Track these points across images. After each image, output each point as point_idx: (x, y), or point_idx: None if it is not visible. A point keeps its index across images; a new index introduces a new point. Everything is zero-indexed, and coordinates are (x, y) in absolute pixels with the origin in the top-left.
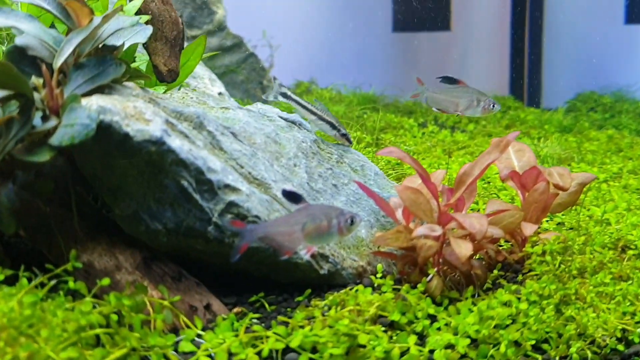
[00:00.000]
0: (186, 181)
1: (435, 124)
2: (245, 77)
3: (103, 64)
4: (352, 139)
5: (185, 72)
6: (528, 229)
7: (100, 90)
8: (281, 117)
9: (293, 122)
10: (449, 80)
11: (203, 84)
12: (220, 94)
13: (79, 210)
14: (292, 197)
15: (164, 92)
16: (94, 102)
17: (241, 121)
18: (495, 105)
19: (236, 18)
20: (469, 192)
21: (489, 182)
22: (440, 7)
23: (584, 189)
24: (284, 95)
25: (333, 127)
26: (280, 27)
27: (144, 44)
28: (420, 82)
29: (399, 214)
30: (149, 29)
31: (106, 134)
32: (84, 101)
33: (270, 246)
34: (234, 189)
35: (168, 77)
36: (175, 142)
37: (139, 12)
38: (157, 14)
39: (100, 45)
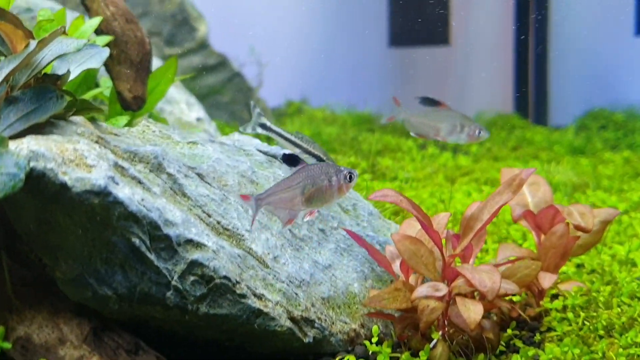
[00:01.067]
0: (138, 238)
1: (436, 145)
2: (231, 98)
3: (42, 98)
4: None
5: (154, 98)
6: (546, 280)
7: (37, 129)
8: (260, 151)
9: (274, 157)
10: (429, 101)
11: (179, 109)
12: (198, 119)
13: (16, 272)
14: (290, 160)
15: (127, 123)
16: (25, 146)
17: (211, 158)
18: (482, 132)
19: (222, 34)
20: (477, 239)
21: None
22: (439, 20)
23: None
24: (263, 126)
25: (319, 159)
26: (269, 43)
27: (107, 68)
28: (397, 103)
29: (396, 266)
30: (105, 52)
31: (40, 185)
32: (13, 144)
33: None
34: (198, 245)
35: (134, 104)
36: (123, 192)
37: (100, 32)
38: (121, 34)
39: (40, 74)
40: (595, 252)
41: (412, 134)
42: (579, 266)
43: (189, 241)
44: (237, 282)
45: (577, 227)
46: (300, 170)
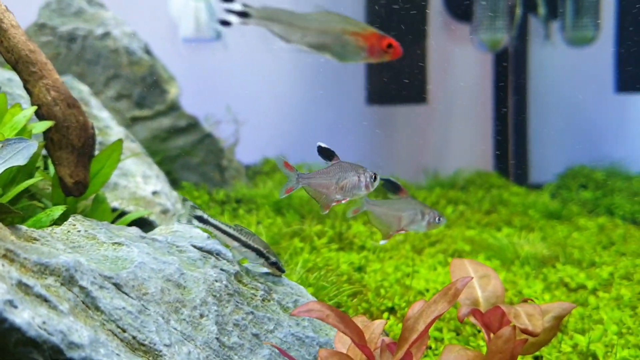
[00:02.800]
0: None
1: None
2: (202, 159)
3: None
4: (284, 268)
5: (98, 182)
6: None
7: None
8: (195, 247)
9: (209, 252)
10: (391, 185)
11: (134, 182)
12: (154, 192)
13: None
14: (325, 153)
15: (67, 211)
16: None
17: (133, 263)
18: (441, 219)
19: (196, 94)
20: (418, 345)
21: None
22: (416, 79)
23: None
24: (199, 218)
25: (260, 254)
26: (246, 101)
27: (48, 153)
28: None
29: None
30: (33, 147)
31: None
32: None
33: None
34: None
35: (75, 190)
36: (22, 316)
37: (42, 117)
38: (62, 119)
39: None
40: (556, 341)
41: (374, 225)
42: (537, 359)
43: None
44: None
45: (524, 331)
46: (335, 164)
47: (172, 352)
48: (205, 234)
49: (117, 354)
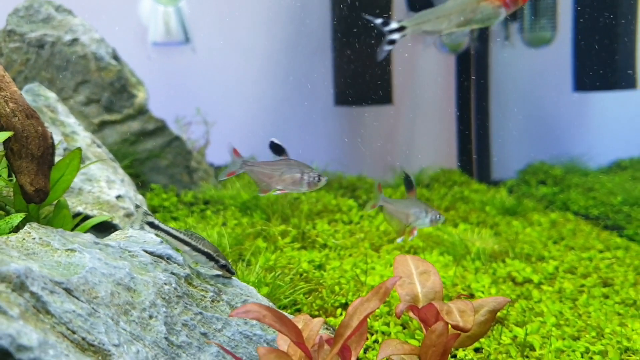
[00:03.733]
0: None
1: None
2: (170, 161)
3: None
4: (234, 270)
5: (59, 188)
6: None
7: None
8: (147, 252)
9: (160, 257)
10: (408, 182)
11: (98, 187)
12: (118, 196)
13: None
14: (276, 148)
15: (28, 217)
16: None
17: (85, 268)
18: (441, 217)
19: (165, 97)
20: (356, 338)
21: None
22: (381, 80)
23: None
24: (151, 224)
25: (210, 257)
26: (216, 103)
27: (8, 162)
28: (380, 190)
29: None
30: None
31: None
32: None
33: (252, 177)
34: None
35: (35, 197)
36: None
37: (1, 129)
38: (21, 130)
39: None
40: (497, 333)
41: (387, 220)
42: (477, 350)
43: None
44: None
45: (456, 327)
46: (282, 160)
47: (121, 352)
48: (159, 239)
49: (67, 355)
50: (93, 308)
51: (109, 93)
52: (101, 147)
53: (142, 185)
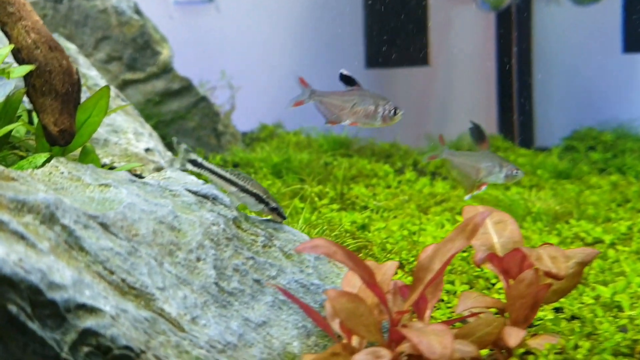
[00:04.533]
0: (15, 305)
1: (414, 169)
2: (197, 123)
3: None
4: (285, 215)
5: (86, 131)
6: (512, 338)
7: None
8: (190, 191)
9: (205, 197)
10: (478, 132)
11: (126, 139)
12: (147, 150)
13: None
14: (347, 80)
15: (47, 160)
16: None
17: (122, 203)
18: (519, 172)
19: (188, 58)
20: (432, 289)
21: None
22: (417, 40)
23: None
24: (193, 162)
25: (259, 199)
26: (242, 66)
27: (30, 100)
28: (442, 141)
29: (336, 325)
30: (9, 85)
31: None
32: None
33: (319, 110)
34: (92, 310)
35: (60, 139)
36: None
37: (22, 61)
38: (44, 63)
39: None
40: (576, 293)
41: (452, 175)
42: (558, 310)
43: (81, 306)
44: (142, 352)
45: (548, 274)
46: (354, 90)
47: (166, 296)
48: (201, 181)
49: (105, 297)
50: (133, 246)
51: (132, 50)
52: (126, 101)
53: (168, 148)
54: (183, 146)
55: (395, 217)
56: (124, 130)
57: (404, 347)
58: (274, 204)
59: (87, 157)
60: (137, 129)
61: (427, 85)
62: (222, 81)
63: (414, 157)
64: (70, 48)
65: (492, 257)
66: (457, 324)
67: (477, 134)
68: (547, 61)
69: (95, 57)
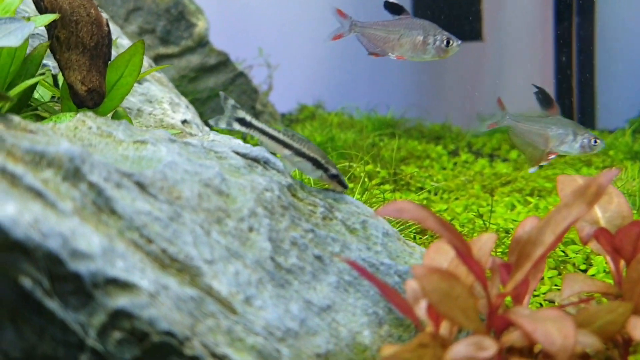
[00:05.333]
0: (30, 278)
1: (470, 151)
2: (235, 101)
3: None
4: (347, 183)
5: (118, 94)
6: (638, 328)
7: None
8: (238, 153)
9: (255, 160)
10: (544, 97)
11: (161, 109)
12: (185, 121)
13: None
14: (393, 8)
15: (60, 120)
16: None
17: (162, 162)
18: (599, 142)
19: (224, 33)
20: (533, 271)
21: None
22: (469, 13)
23: None
24: (241, 121)
25: (317, 165)
26: (280, 43)
27: (54, 55)
28: (502, 106)
29: (421, 310)
30: (28, 27)
31: None
32: None
33: (362, 42)
34: (126, 286)
35: (88, 100)
36: (3, 210)
37: (44, 10)
38: (69, 12)
39: None
40: None
41: (516, 144)
42: None
43: (112, 280)
44: (187, 339)
45: None
46: (402, 18)
47: (215, 271)
48: (249, 145)
49: (142, 269)
50: (176, 211)
51: (165, 22)
52: (160, 73)
53: (206, 124)
54: (230, 102)
55: (457, 198)
56: (159, 100)
57: (513, 337)
58: (334, 171)
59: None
60: (173, 99)
61: (480, 61)
62: (259, 59)
63: (467, 139)
64: None
65: (600, 233)
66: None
67: (544, 97)
68: (611, 37)
69: (126, 29)
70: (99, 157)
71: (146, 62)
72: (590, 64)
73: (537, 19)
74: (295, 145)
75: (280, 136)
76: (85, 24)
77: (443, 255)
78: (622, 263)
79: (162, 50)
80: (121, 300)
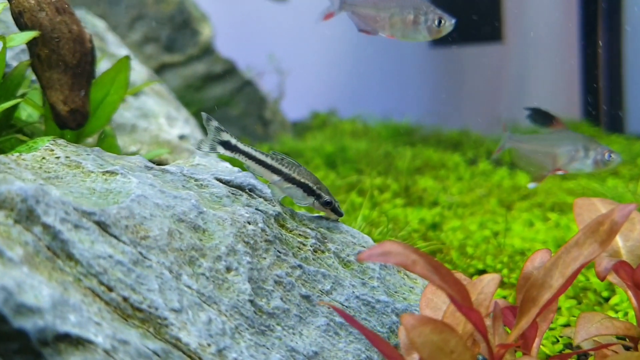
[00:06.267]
0: None
1: (488, 159)
2: (242, 110)
3: None
4: (342, 210)
5: (104, 113)
6: None
7: None
8: (220, 180)
9: (240, 187)
10: (541, 116)
11: (157, 124)
12: (182, 137)
13: None
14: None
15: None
16: None
17: (129, 196)
18: (614, 156)
19: (232, 40)
20: (544, 314)
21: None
22: (489, 14)
23: None
24: (225, 144)
25: (308, 191)
26: (292, 49)
27: (36, 74)
28: (504, 127)
29: None
30: None
31: None
32: None
33: (353, 20)
34: (79, 342)
35: (71, 121)
36: None
37: (24, 27)
38: (50, 29)
39: None
40: None
41: (521, 167)
42: None
43: (63, 337)
44: None
45: None
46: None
47: (184, 321)
48: (236, 169)
49: (98, 323)
50: (141, 253)
51: (169, 30)
52: (161, 85)
53: None
54: (214, 124)
55: (472, 213)
56: (155, 114)
57: None
58: (327, 197)
59: (104, 142)
60: (170, 113)
61: (501, 63)
62: (270, 65)
63: (487, 145)
64: (98, 25)
65: (620, 266)
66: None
67: (539, 115)
68: None
69: (130, 38)
70: (59, 193)
71: (146, 73)
72: (617, 65)
73: (561, 18)
74: (285, 170)
75: (268, 160)
76: (66, 41)
77: (442, 296)
78: None
79: (167, 58)
80: (73, 358)
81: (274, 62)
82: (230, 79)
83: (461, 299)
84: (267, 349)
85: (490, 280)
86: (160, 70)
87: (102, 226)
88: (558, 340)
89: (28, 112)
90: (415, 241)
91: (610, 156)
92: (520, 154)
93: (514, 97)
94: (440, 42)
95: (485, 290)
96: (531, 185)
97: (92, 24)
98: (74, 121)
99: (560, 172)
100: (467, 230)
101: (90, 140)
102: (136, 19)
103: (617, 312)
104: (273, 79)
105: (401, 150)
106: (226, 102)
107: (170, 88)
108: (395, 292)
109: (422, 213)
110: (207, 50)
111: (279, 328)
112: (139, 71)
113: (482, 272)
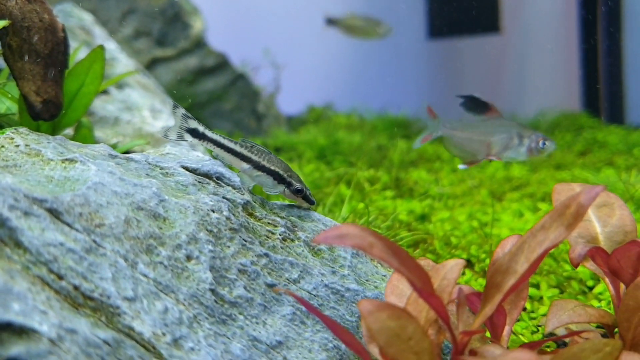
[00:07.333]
0: None
1: None
2: (235, 104)
3: None
4: (314, 199)
5: (79, 105)
6: None
7: None
8: (186, 169)
9: (207, 176)
10: (475, 104)
11: (140, 117)
12: None
13: None
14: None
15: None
16: None
17: (86, 183)
18: (548, 143)
19: (227, 32)
20: (514, 297)
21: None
22: (486, 4)
23: None
24: (193, 132)
25: (279, 179)
26: (288, 42)
27: (7, 64)
28: (433, 115)
29: (375, 349)
30: None
31: None
32: None
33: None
34: (22, 331)
35: (44, 112)
36: None
37: None
38: (20, 18)
39: None
40: None
41: (454, 154)
42: None
43: (6, 326)
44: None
45: None
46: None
47: (137, 310)
48: (207, 157)
49: (44, 312)
50: (95, 241)
51: (161, 23)
52: (149, 78)
53: None
54: (181, 111)
55: (462, 204)
56: (139, 107)
57: None
58: (298, 185)
59: (79, 133)
60: (154, 106)
61: (499, 55)
62: (265, 60)
63: None
64: (85, 18)
65: (595, 252)
66: (550, 344)
67: (473, 103)
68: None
69: (121, 33)
70: (10, 181)
71: (134, 66)
72: (617, 55)
73: (559, 6)
74: (254, 157)
75: (237, 148)
76: (37, 30)
77: (398, 294)
78: (623, 287)
79: (159, 52)
80: (15, 349)
81: (269, 57)
82: (223, 73)
83: (422, 284)
84: (228, 338)
85: (454, 265)
86: (152, 64)
87: (54, 213)
88: (538, 330)
89: (7, 106)
90: (398, 231)
91: (545, 144)
92: (453, 142)
93: (512, 89)
94: (437, 33)
95: (449, 275)
96: (461, 166)
97: (79, 17)
98: (47, 112)
99: (493, 158)
100: (456, 221)
101: (68, 131)
102: (127, 13)
103: (600, 300)
104: (269, 73)
105: (397, 143)
106: (219, 96)
107: (162, 82)
108: (367, 281)
109: (411, 205)
110: (199, 44)
111: (241, 317)
112: (125, 64)
113: (466, 262)
